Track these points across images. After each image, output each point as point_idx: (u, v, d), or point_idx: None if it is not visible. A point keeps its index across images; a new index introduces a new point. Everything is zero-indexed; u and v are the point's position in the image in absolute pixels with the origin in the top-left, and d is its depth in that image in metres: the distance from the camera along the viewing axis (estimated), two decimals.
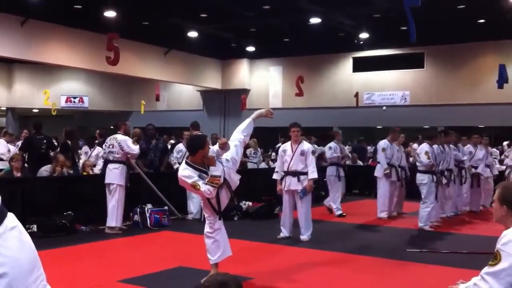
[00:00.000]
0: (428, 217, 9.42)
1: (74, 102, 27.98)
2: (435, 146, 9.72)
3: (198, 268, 6.01)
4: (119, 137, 8.73)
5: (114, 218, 8.55)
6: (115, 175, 8.62)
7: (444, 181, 10.06)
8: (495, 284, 2.83)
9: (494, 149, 15.18)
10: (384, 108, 23.24)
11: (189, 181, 5.38)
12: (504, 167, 13.02)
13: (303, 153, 8.20)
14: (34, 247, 2.00)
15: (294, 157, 8.21)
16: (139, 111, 24.57)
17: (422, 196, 9.52)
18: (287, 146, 8.45)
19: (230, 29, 21.41)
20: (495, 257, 2.86)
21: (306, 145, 8.36)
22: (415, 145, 11.86)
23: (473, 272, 3.13)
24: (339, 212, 10.98)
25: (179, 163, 10.85)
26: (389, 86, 23.34)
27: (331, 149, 11.33)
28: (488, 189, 12.00)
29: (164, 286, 5.68)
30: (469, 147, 11.64)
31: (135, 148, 8.64)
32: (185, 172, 5.45)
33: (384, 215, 10.55)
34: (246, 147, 14.24)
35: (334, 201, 11.17)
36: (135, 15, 18.81)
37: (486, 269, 2.90)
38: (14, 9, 17.33)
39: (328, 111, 24.13)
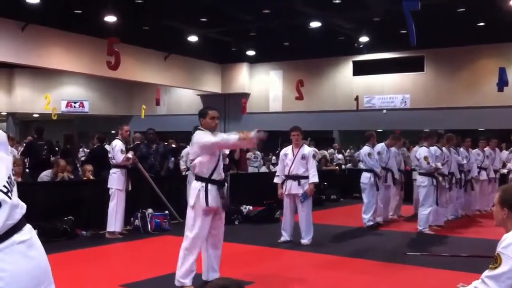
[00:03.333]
0: (427, 220, 9.40)
1: (74, 106, 28.02)
2: (432, 148, 9.71)
3: (200, 273, 6.00)
4: (114, 142, 8.82)
5: (113, 222, 8.56)
6: (113, 179, 8.67)
7: (446, 185, 10.04)
8: (495, 287, 2.83)
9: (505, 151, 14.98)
10: (384, 111, 23.26)
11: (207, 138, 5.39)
12: (505, 171, 12.99)
13: (304, 157, 8.20)
14: (46, 264, 1.97)
15: (295, 161, 8.21)
16: (139, 116, 24.61)
17: (420, 199, 9.52)
18: (288, 150, 8.45)
19: (230, 33, 21.46)
20: (495, 261, 2.85)
21: (307, 149, 8.37)
22: (415, 148, 11.75)
23: (474, 276, 3.13)
24: (370, 223, 9.88)
25: (188, 168, 10.85)
26: (389, 90, 23.36)
27: (370, 156, 10.04)
28: (485, 193, 12.03)
29: None
30: (464, 152, 11.60)
31: (118, 158, 8.62)
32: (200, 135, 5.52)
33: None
34: (247, 150, 14.24)
35: (366, 211, 9.99)
36: (135, 20, 18.86)
37: (486, 273, 2.90)
38: (15, 14, 17.39)
39: (328, 115, 24.15)
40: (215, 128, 5.65)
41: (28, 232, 1.98)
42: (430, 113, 21.94)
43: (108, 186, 8.68)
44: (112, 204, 8.58)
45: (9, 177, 1.95)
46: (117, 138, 8.87)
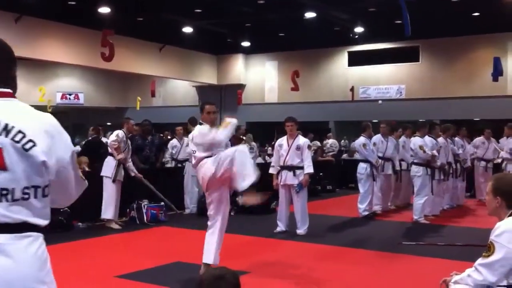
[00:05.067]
0: (422, 209, 9.44)
1: (69, 98, 27.91)
2: (427, 138, 9.73)
3: (196, 263, 6.02)
4: (116, 131, 8.96)
5: (105, 210, 8.67)
6: (104, 167, 8.88)
7: (441, 176, 10.05)
8: (488, 275, 2.86)
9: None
10: (380, 102, 23.24)
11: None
12: (499, 160, 13.03)
13: (298, 148, 8.22)
14: (16, 281, 1.75)
15: (290, 152, 8.23)
16: (134, 107, 24.50)
17: (416, 189, 9.54)
18: (283, 140, 8.47)
19: (225, 24, 21.37)
20: (488, 249, 2.88)
21: (301, 140, 8.38)
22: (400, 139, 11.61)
23: (468, 264, 3.15)
24: (365, 213, 9.93)
25: (174, 159, 10.88)
26: (385, 80, 23.35)
27: (365, 146, 9.98)
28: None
29: (161, 281, 5.69)
30: (459, 141, 11.64)
31: (110, 139, 8.92)
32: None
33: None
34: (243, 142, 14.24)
35: (361, 201, 10.02)
36: (130, 11, 18.76)
37: (480, 261, 2.92)
38: (8, 6, 17.26)
39: (324, 106, 24.13)
40: (213, 121, 5.75)
41: (11, 239, 1.73)
42: (425, 104, 21.95)
43: (101, 174, 8.81)
44: (104, 192, 8.70)
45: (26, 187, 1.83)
46: (122, 130, 8.96)
